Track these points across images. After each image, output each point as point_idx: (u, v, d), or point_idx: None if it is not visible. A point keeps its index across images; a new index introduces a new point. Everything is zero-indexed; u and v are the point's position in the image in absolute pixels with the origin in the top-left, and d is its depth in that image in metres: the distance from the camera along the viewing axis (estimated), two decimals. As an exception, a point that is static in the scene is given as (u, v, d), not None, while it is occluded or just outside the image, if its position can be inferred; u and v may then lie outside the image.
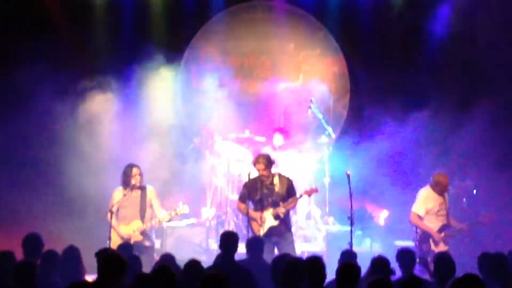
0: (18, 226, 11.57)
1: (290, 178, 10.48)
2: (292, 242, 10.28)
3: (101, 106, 12.53)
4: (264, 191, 10.25)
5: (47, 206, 12.26)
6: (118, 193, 10.60)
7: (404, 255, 8.16)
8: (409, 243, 10.72)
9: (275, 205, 10.16)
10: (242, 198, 10.36)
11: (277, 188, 10.23)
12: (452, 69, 12.95)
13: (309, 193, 10.53)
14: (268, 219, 10.17)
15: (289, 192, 10.27)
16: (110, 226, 10.24)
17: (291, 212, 10.78)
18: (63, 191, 12.41)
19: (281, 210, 10.14)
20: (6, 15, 12.82)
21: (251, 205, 10.37)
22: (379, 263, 7.53)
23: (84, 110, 12.50)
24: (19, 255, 8.22)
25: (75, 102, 12.52)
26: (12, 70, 12.18)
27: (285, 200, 10.19)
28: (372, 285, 6.46)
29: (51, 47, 12.33)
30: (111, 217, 10.19)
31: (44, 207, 12.23)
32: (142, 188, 10.65)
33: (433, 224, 10.49)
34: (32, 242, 8.44)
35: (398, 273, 7.92)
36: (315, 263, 7.10)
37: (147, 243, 10.54)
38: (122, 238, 10.25)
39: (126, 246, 9.15)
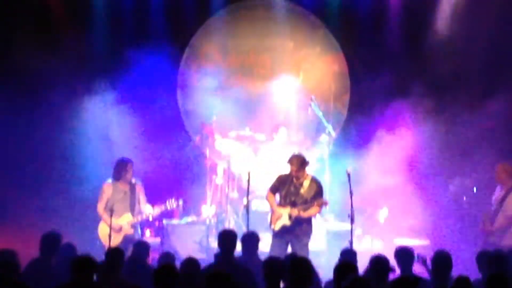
0: (19, 223, 11.69)
1: (322, 185, 10.40)
2: (306, 245, 10.12)
3: (102, 104, 12.55)
4: (290, 189, 10.23)
5: (49, 202, 12.29)
6: (108, 187, 10.75)
7: (402, 254, 8.14)
8: (409, 241, 10.70)
9: (294, 205, 10.12)
10: (272, 189, 10.40)
11: (302, 190, 10.18)
12: (453, 67, 12.89)
13: (319, 204, 10.25)
14: (284, 217, 10.15)
15: (314, 198, 10.15)
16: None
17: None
18: (66, 187, 12.45)
19: (294, 212, 10.08)
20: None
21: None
22: (378, 261, 7.51)
23: (86, 108, 12.54)
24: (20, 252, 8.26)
25: (79, 98, 12.58)
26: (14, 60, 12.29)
27: (305, 204, 10.13)
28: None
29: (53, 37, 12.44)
30: (111, 214, 10.18)
31: (46, 203, 12.26)
32: (132, 183, 10.84)
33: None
34: (50, 240, 8.53)
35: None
36: (299, 264, 7.04)
37: (136, 236, 10.71)
38: (113, 229, 10.25)
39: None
